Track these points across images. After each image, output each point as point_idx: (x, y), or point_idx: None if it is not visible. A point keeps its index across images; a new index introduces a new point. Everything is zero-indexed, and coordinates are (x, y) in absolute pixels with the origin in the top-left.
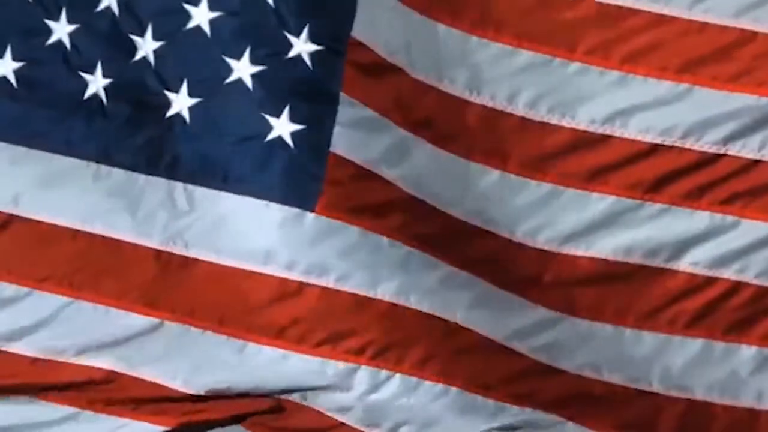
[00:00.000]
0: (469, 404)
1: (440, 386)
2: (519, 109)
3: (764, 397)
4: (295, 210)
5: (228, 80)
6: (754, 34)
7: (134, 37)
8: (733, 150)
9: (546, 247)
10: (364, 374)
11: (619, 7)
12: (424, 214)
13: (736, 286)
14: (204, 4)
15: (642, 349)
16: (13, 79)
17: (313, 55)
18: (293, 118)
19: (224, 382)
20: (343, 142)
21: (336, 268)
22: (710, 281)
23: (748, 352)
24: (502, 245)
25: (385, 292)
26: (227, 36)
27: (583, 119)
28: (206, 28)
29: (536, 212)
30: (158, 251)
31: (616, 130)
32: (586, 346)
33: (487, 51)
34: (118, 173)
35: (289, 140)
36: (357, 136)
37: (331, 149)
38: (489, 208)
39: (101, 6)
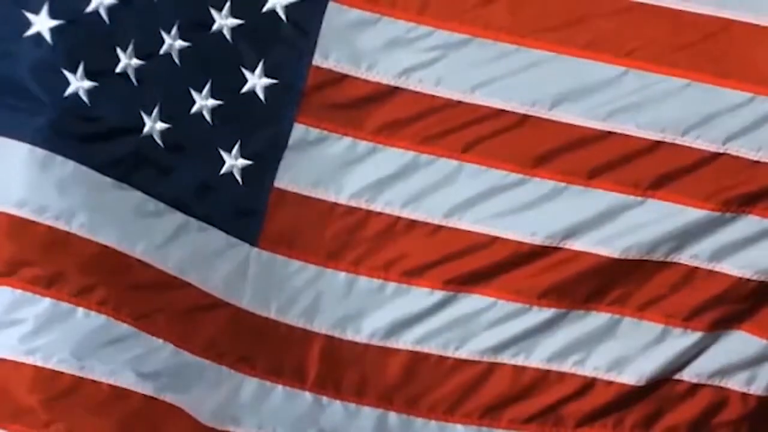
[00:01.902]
0: None
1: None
2: None
3: None
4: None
5: (191, 111)
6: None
7: (118, 50)
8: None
9: None
10: None
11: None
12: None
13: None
14: (175, 33)
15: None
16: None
17: (267, 89)
18: (243, 154)
19: None
20: (288, 174)
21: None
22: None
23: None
24: None
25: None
26: (193, 68)
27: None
28: (176, 58)
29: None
30: None
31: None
32: None
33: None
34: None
35: (238, 176)
36: (305, 158)
37: (276, 184)
38: None
39: (90, 8)
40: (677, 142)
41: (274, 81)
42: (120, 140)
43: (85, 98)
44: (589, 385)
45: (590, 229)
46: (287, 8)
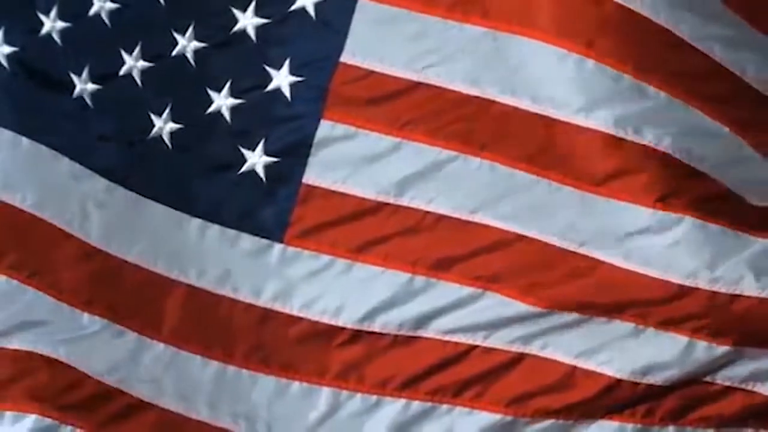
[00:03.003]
0: None
1: None
2: None
3: None
4: (265, 241)
5: (208, 111)
6: None
7: (123, 52)
8: None
9: None
10: None
11: None
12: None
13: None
14: (190, 34)
15: None
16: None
17: (293, 86)
18: (268, 151)
19: None
20: (316, 170)
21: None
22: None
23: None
24: None
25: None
26: (210, 68)
27: None
28: (191, 58)
29: None
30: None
31: None
32: None
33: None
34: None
35: (261, 174)
36: (332, 154)
37: (304, 180)
38: None
39: (92, 11)
40: None
41: (301, 78)
42: (124, 143)
43: (89, 101)
44: (615, 384)
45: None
46: (317, 6)
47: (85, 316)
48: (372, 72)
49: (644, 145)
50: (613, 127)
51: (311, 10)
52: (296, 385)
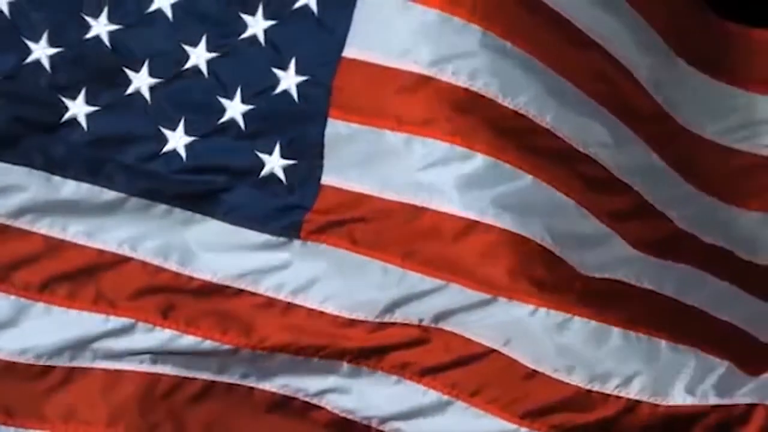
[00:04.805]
0: None
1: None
2: None
3: None
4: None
5: (221, 120)
6: None
7: (128, 71)
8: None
9: None
10: None
11: None
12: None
13: None
14: (202, 46)
15: None
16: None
17: (299, 86)
18: (284, 154)
19: None
20: (330, 168)
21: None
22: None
23: None
24: None
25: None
26: (221, 76)
27: None
28: (203, 69)
29: None
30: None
31: None
32: None
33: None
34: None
35: (281, 175)
36: (343, 152)
37: (323, 181)
38: None
39: (90, 35)
40: None
41: (306, 78)
42: (137, 155)
43: (84, 123)
44: (633, 406)
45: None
46: (319, 1)
47: None
48: (376, 66)
49: None
50: None
51: (314, 5)
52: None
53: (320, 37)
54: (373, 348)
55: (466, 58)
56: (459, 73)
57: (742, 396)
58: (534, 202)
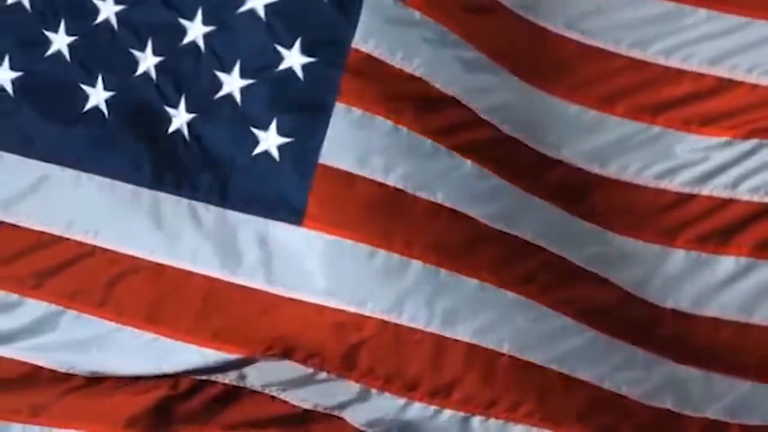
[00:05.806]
0: None
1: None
2: None
3: None
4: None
5: (218, 95)
6: (730, 81)
7: (135, 52)
8: (706, 190)
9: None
10: None
11: (600, 50)
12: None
13: None
14: (198, 19)
15: None
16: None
17: (305, 67)
18: (281, 132)
19: None
20: (333, 151)
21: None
22: None
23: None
24: None
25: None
26: (219, 51)
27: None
28: (201, 44)
29: None
30: None
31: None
32: None
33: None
34: (122, 187)
35: (275, 154)
36: (349, 136)
37: (321, 160)
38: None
39: (99, 19)
40: None
41: (314, 59)
42: (146, 143)
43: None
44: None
45: None
46: None
47: None
48: (383, 61)
49: None
50: None
51: None
52: None
53: (329, 21)
54: None
55: None
56: None
57: None
58: None
